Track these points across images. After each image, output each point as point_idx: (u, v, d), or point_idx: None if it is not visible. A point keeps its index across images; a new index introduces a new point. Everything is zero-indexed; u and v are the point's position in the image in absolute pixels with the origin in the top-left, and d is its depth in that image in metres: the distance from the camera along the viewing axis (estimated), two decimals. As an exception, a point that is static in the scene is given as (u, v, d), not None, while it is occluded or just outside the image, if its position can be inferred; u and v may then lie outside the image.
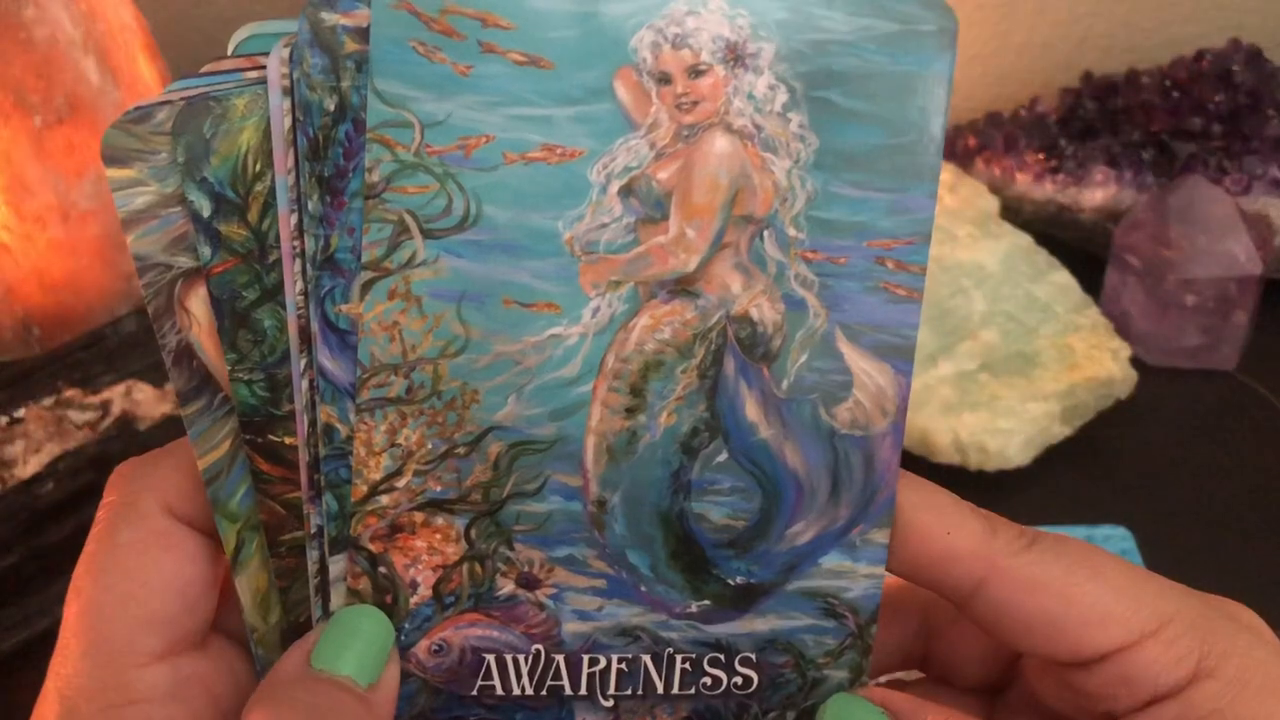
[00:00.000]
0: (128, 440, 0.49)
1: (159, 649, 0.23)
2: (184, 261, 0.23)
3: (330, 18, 0.22)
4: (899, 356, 0.24)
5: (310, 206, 0.22)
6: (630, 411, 0.24)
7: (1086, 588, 0.24)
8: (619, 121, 0.23)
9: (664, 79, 0.23)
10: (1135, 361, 0.56)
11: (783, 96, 0.23)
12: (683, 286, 0.24)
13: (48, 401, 0.51)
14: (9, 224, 0.56)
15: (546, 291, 0.23)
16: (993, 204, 0.62)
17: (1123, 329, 0.58)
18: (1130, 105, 0.68)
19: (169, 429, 0.50)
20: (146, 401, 0.51)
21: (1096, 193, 0.65)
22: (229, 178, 0.22)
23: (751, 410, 0.24)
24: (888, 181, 0.23)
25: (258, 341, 0.23)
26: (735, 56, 0.23)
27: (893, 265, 0.24)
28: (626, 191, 0.23)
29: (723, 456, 0.24)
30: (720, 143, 0.23)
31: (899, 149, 0.23)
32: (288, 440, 0.23)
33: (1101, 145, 0.66)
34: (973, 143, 0.69)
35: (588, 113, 0.22)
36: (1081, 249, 0.66)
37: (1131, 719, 0.24)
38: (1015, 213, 0.67)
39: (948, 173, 0.64)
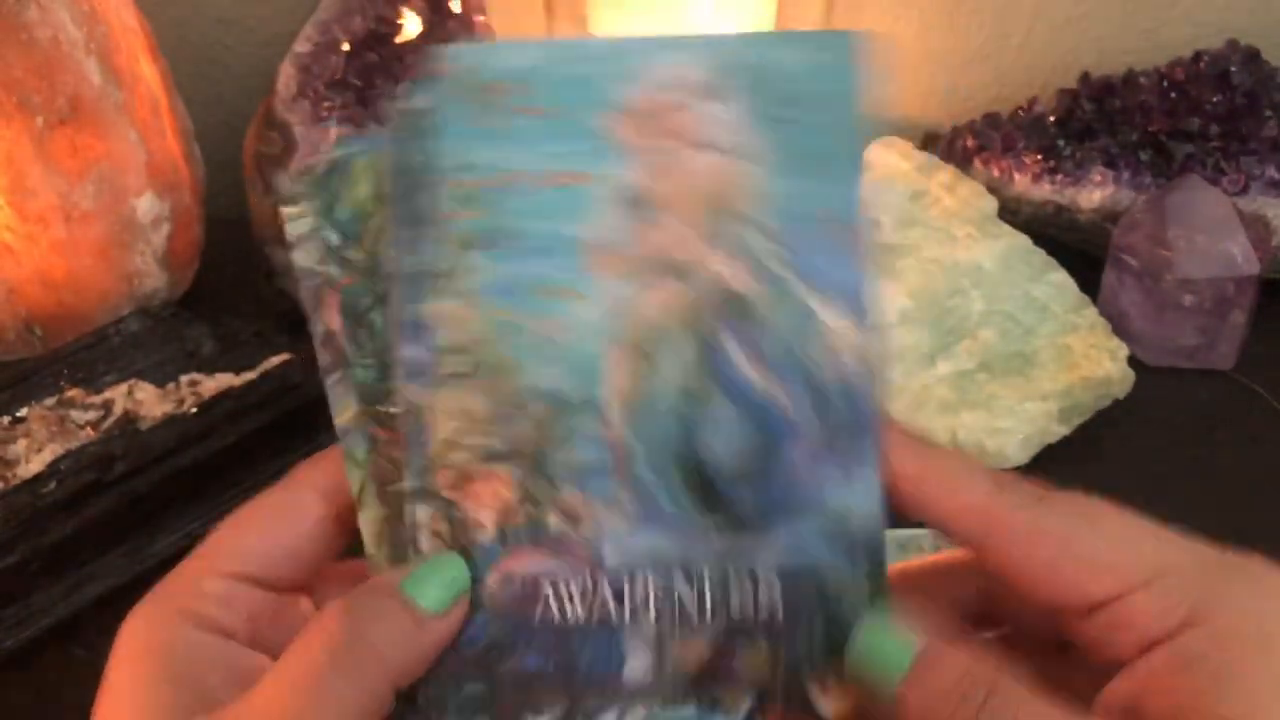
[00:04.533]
0: (129, 440, 0.50)
1: (233, 569, 0.28)
2: (329, 272, 0.30)
3: (413, 101, 0.29)
4: (867, 314, 0.29)
5: (403, 234, 0.30)
6: (643, 373, 0.29)
7: (1085, 539, 0.26)
8: (617, 151, 0.29)
9: (649, 116, 0.29)
10: (1133, 361, 0.56)
11: (744, 119, 0.29)
12: (677, 271, 0.29)
13: (50, 401, 0.51)
14: (11, 224, 0.57)
15: (569, 281, 0.29)
16: (991, 204, 0.63)
17: (1120, 329, 0.58)
18: (1128, 106, 0.68)
19: (170, 428, 0.50)
20: (148, 401, 0.52)
21: (1094, 193, 0.66)
22: (351, 218, 0.30)
23: (744, 366, 0.29)
24: (837, 175, 0.29)
25: (372, 336, 0.30)
26: (703, 93, 0.29)
27: (850, 240, 0.29)
28: (626, 203, 0.29)
29: (724, 405, 0.29)
30: (697, 160, 0.29)
31: (841, 149, 0.29)
32: (391, 410, 0.30)
33: (1099, 146, 0.66)
34: (971, 143, 0.70)
35: (592, 147, 0.29)
36: (1079, 249, 0.66)
37: (1131, 664, 0.26)
38: (1013, 213, 0.67)
39: (946, 173, 0.64)
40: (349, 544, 0.31)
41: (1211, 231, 0.58)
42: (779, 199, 0.29)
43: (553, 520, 0.29)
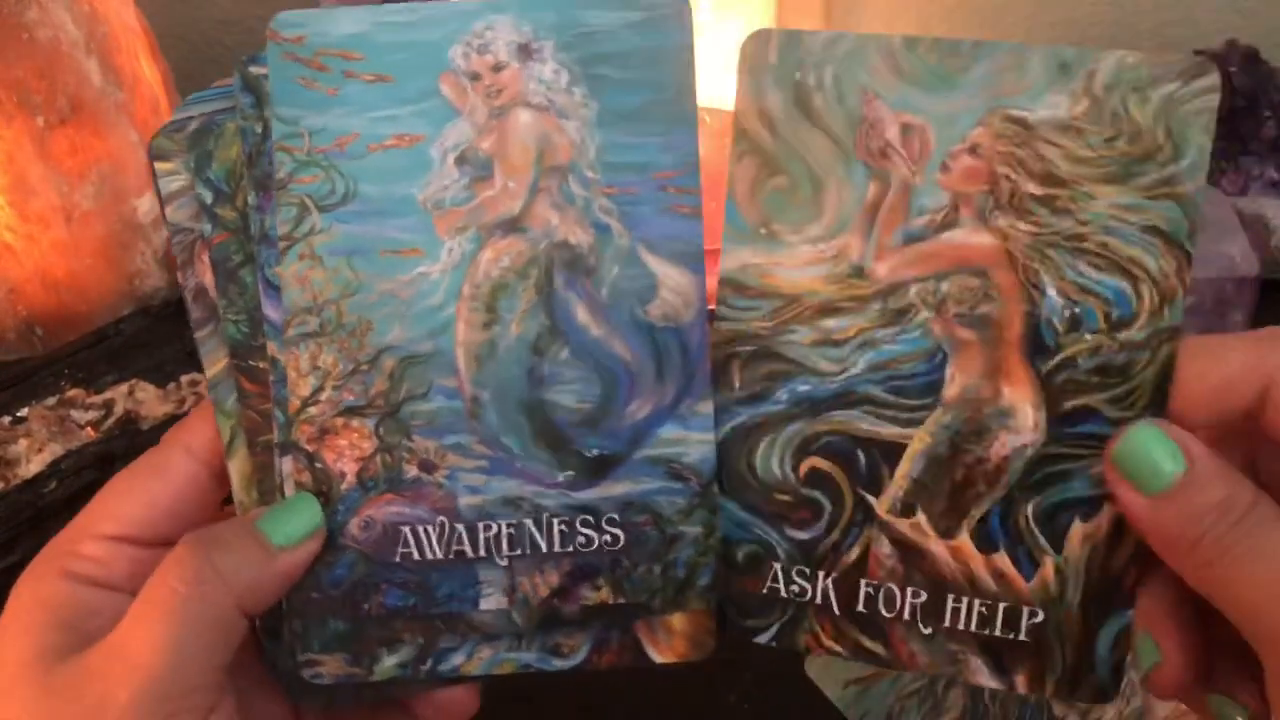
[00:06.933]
0: (130, 439, 0.50)
1: (110, 532, 0.30)
2: (201, 229, 0.31)
3: (255, 69, 0.31)
4: (693, 261, 0.31)
5: (251, 200, 0.31)
6: (487, 325, 0.31)
7: None
8: (447, 111, 0.31)
9: (475, 76, 0.31)
10: (1132, 361, 0.56)
11: (565, 77, 0.31)
12: (513, 225, 0.31)
13: (51, 401, 0.51)
14: (12, 224, 0.57)
15: (412, 240, 0.31)
16: (990, 205, 0.63)
17: (1120, 329, 0.58)
18: (1128, 106, 0.68)
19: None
20: (149, 401, 0.52)
21: (1094, 194, 0.66)
22: (225, 176, 0.31)
23: (582, 315, 0.31)
24: (657, 128, 0.31)
25: (241, 292, 0.31)
26: (525, 53, 0.31)
27: (674, 190, 0.31)
28: (460, 160, 0.31)
29: (565, 354, 0.31)
30: (524, 116, 0.31)
31: (661, 103, 0.31)
32: (262, 365, 0.31)
33: (1099, 146, 0.66)
34: (971, 144, 0.70)
35: (423, 109, 0.31)
36: (1079, 250, 0.66)
37: None
38: (1013, 213, 0.67)
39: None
40: (227, 494, 0.32)
41: (1211, 232, 0.58)
42: (599, 151, 0.31)
43: (409, 468, 0.31)
